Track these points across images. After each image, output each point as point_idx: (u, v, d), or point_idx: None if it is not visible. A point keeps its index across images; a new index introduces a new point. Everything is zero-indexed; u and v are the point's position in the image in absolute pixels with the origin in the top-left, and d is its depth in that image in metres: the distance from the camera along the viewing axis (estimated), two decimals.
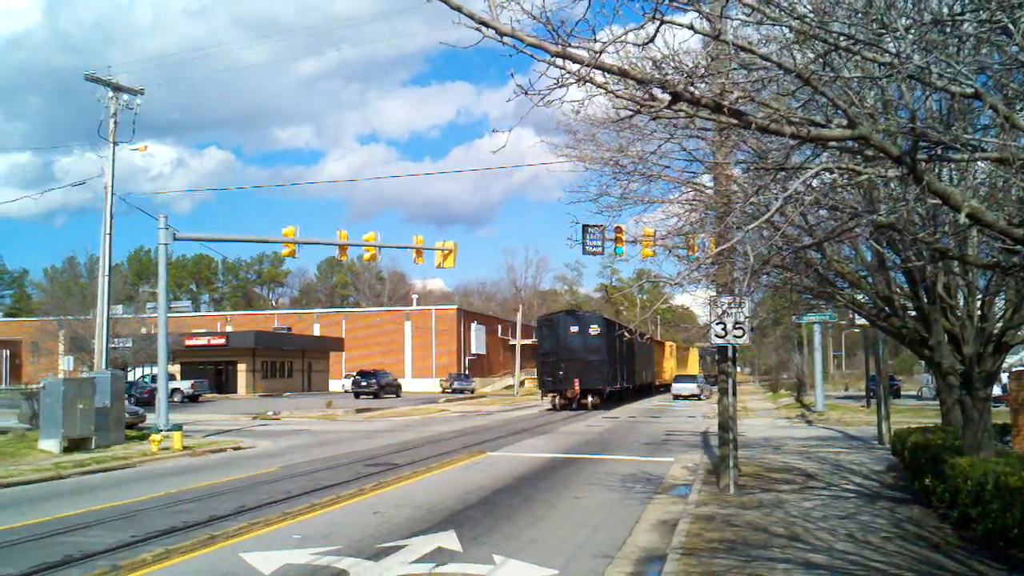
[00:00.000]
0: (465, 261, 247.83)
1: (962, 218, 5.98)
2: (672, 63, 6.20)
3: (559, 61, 5.63)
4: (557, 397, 50.93)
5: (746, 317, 16.19)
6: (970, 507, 11.34)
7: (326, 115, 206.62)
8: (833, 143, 6.15)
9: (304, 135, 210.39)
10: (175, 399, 53.03)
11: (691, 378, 71.89)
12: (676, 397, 65.23)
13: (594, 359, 50.05)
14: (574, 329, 50.62)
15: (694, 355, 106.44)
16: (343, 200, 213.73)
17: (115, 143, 30.76)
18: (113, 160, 30.60)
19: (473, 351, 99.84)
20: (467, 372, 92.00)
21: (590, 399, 49.97)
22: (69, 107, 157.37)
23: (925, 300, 13.10)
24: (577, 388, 49.40)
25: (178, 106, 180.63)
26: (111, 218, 30.45)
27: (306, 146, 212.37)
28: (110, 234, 30.46)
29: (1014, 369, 30.15)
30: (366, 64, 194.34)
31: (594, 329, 50.34)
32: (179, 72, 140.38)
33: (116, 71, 63.54)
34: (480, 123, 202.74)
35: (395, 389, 72.18)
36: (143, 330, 58.13)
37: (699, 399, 62.79)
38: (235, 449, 26.69)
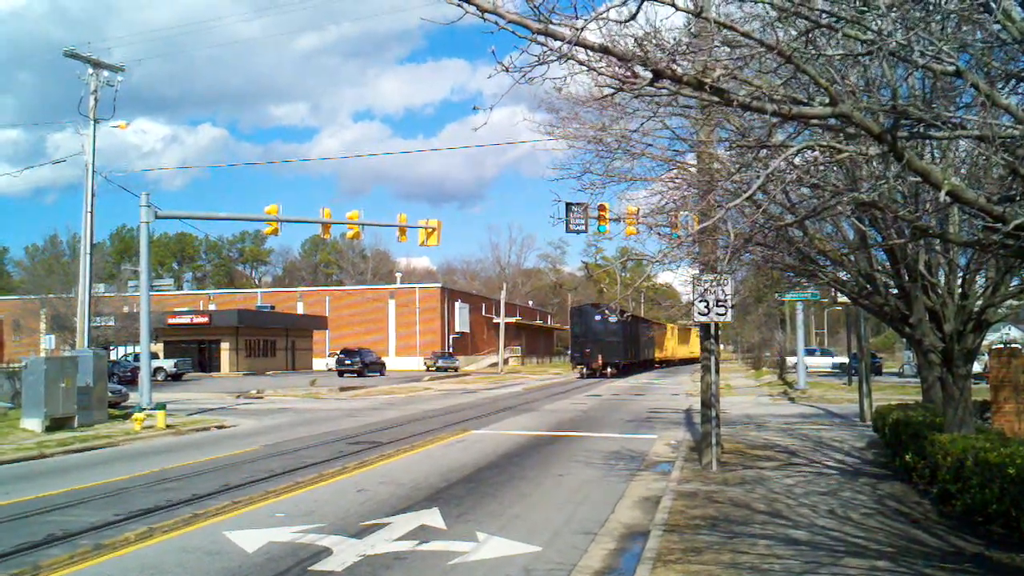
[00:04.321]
0: (454, 239, 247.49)
1: (943, 196, 5.99)
2: (654, 40, 6.17)
3: (541, 38, 5.59)
4: (584, 368, 66.95)
5: (727, 295, 16.22)
6: (950, 483, 11.44)
7: (322, 92, 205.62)
8: (815, 121, 6.14)
9: (299, 112, 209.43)
10: (158, 378, 52.88)
11: None
12: None
13: (612, 340, 65.69)
14: (598, 317, 65.30)
15: (696, 335, 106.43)
16: (336, 177, 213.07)
17: (96, 120, 30.53)
18: (94, 137, 30.37)
19: (457, 329, 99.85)
20: (451, 350, 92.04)
21: (609, 370, 66.06)
22: (62, 82, 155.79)
23: (906, 278, 13.15)
24: (600, 362, 65.67)
25: (173, 82, 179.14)
26: (92, 196, 30.27)
27: (301, 123, 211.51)
28: (91, 212, 30.29)
29: (994, 347, 30.44)
30: (363, 41, 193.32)
31: (613, 317, 60.47)
32: (174, 47, 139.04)
33: (112, 46, 63.33)
34: (474, 99, 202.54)
35: (379, 367, 72.16)
36: (125, 308, 57.95)
37: None
38: (219, 428, 26.65)
